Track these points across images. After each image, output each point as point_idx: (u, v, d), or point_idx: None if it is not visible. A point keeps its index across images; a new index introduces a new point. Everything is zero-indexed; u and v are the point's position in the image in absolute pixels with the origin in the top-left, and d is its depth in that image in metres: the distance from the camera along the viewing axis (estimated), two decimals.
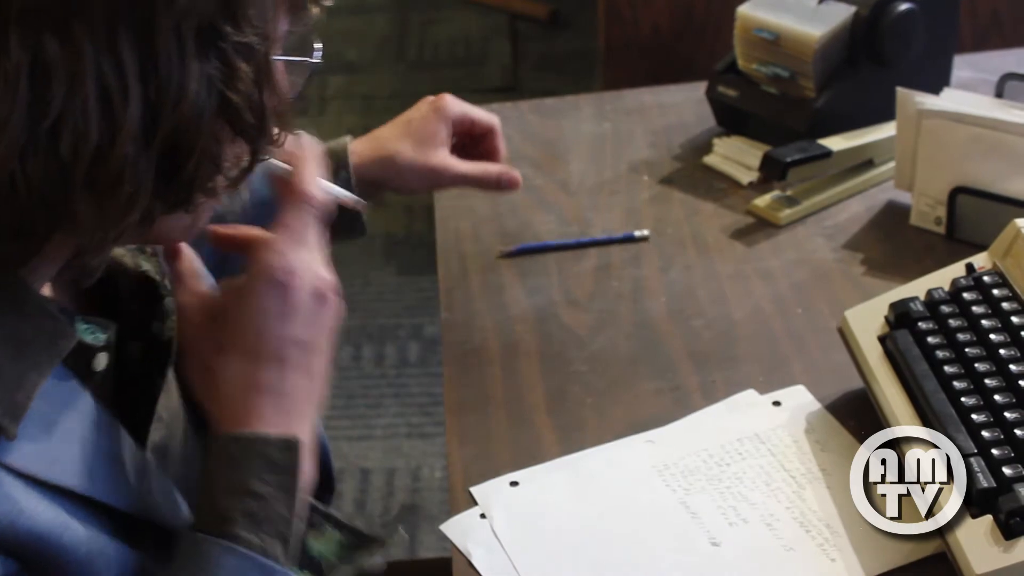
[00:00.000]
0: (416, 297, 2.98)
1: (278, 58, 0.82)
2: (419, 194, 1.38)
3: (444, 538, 1.12)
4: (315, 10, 0.85)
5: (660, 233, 1.51)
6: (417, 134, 1.30)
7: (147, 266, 0.94)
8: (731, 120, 1.69)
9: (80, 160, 0.72)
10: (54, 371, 0.79)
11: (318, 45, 0.88)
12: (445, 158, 1.30)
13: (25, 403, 0.76)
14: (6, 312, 0.77)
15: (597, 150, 1.68)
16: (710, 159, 1.65)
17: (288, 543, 0.85)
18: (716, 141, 1.66)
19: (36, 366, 0.78)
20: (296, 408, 0.89)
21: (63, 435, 0.80)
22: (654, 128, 1.73)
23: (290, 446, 0.86)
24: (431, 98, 1.34)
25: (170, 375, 0.94)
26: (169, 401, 0.93)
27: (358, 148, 1.30)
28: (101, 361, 0.85)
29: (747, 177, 1.60)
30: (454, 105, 1.32)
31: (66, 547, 0.78)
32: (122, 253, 0.92)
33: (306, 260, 0.90)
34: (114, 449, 0.84)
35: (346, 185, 1.22)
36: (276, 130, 0.82)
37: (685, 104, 1.77)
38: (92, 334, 0.84)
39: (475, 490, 1.14)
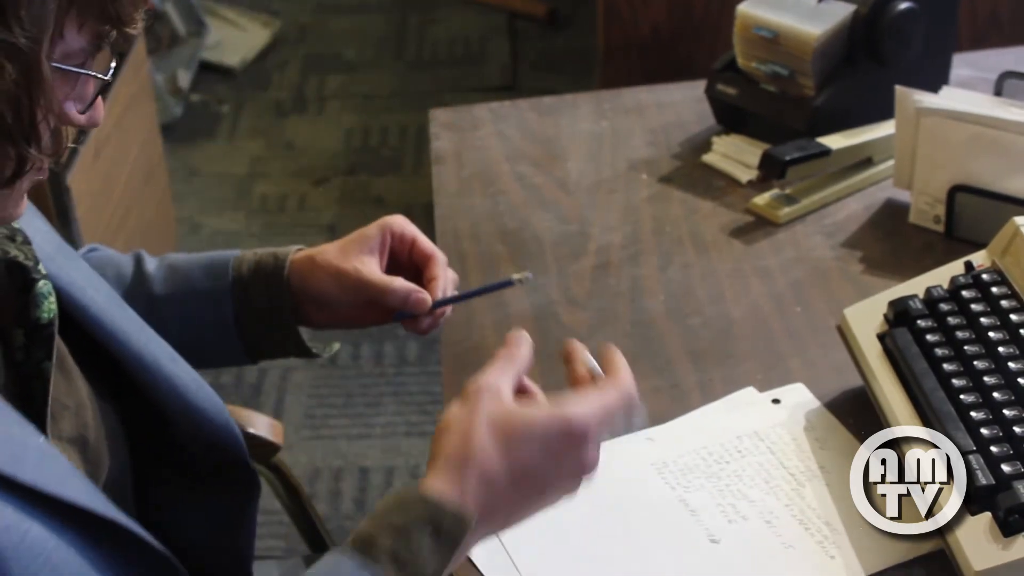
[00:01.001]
0: None
1: (57, 65, 0.81)
2: (335, 303, 1.21)
3: None
4: (114, 33, 0.84)
5: (659, 232, 1.51)
6: (346, 241, 1.21)
7: (15, 252, 0.94)
8: (730, 118, 1.69)
9: None
10: None
11: (113, 64, 0.88)
12: (361, 263, 1.19)
13: None
14: None
15: (596, 149, 1.69)
16: (709, 158, 1.65)
17: None
18: (715, 139, 1.66)
19: None
20: (493, 520, 0.91)
21: None
22: (653, 127, 1.73)
23: (461, 522, 0.88)
24: (387, 218, 1.23)
25: (71, 363, 0.95)
26: (72, 389, 0.94)
27: (296, 255, 1.22)
28: (48, 309, 0.87)
29: (746, 175, 1.60)
30: (400, 222, 1.22)
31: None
32: None
33: (597, 438, 0.93)
34: (22, 436, 0.83)
35: (278, 289, 1.19)
36: (48, 138, 0.82)
37: (684, 103, 1.77)
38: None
39: None
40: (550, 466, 0.92)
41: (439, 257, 1.21)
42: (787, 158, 1.50)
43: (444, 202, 1.58)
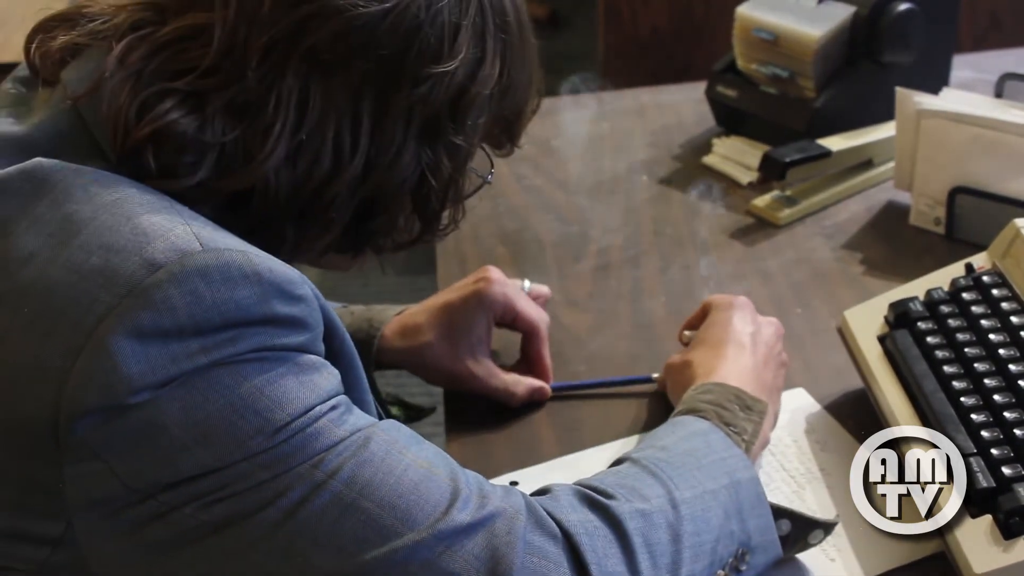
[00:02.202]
0: (415, 297, 2.94)
1: (471, 168, 0.97)
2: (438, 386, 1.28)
3: None
4: (507, 146, 1.03)
5: (659, 233, 1.51)
6: (452, 328, 1.22)
7: None
8: (730, 120, 1.69)
9: (310, 182, 0.87)
10: None
11: (493, 172, 1.03)
12: (475, 365, 1.22)
13: None
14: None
15: (596, 150, 1.69)
16: (709, 159, 1.65)
17: (749, 451, 1.02)
18: (715, 141, 1.66)
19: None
20: (757, 380, 1.11)
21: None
22: (653, 128, 1.73)
23: (759, 400, 1.08)
24: (483, 274, 1.24)
25: None
26: None
27: (393, 325, 1.25)
28: None
29: (746, 177, 1.60)
30: (498, 291, 1.22)
31: (357, 378, 0.91)
32: None
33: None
34: None
35: (365, 361, 1.15)
36: (446, 222, 0.98)
37: (684, 104, 1.77)
38: None
39: None
40: (751, 326, 1.16)
41: (541, 333, 1.25)
42: (787, 160, 1.50)
43: None
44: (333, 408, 0.82)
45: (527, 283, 1.30)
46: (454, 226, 1.00)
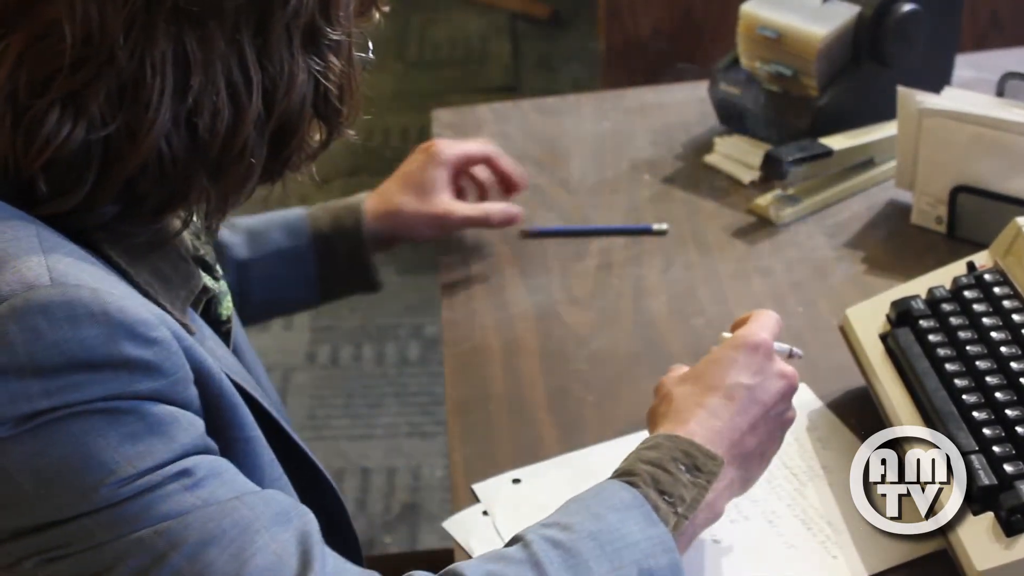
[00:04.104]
0: (416, 297, 2.98)
1: (357, 53, 0.94)
2: (430, 240, 1.46)
3: (446, 536, 1.12)
4: (376, 15, 0.97)
5: (661, 232, 1.51)
6: (416, 185, 1.40)
7: (204, 251, 1.02)
8: (732, 119, 1.69)
9: (215, 139, 0.84)
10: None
11: (371, 44, 1.00)
12: (447, 203, 1.40)
13: (185, 315, 0.89)
14: (150, 252, 0.89)
15: (598, 149, 1.69)
16: (711, 158, 1.65)
17: (681, 525, 0.92)
18: (717, 140, 1.66)
19: (179, 298, 0.89)
20: (728, 441, 0.98)
21: (218, 349, 0.93)
22: (655, 127, 1.73)
23: (715, 460, 0.95)
24: (423, 145, 1.43)
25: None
26: None
27: (370, 205, 1.39)
28: (228, 307, 1.03)
29: (748, 176, 1.60)
30: (446, 148, 1.41)
31: (239, 417, 0.89)
32: (184, 236, 0.99)
33: (772, 348, 1.04)
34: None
35: (358, 242, 1.37)
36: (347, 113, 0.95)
37: (686, 103, 1.77)
38: (209, 279, 0.98)
39: (477, 487, 1.14)
40: (751, 379, 1.01)
41: (493, 155, 1.45)
42: (789, 159, 1.50)
43: None
44: (186, 473, 0.79)
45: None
46: (355, 114, 0.97)
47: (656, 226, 1.39)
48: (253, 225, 1.37)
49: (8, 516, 0.77)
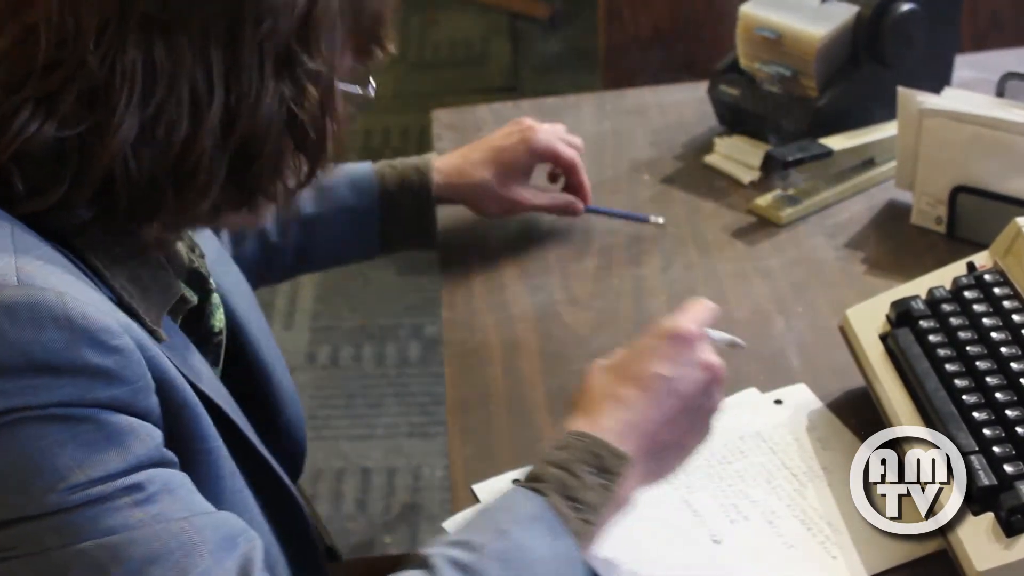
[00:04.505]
0: (417, 297, 2.98)
1: (341, 86, 0.93)
2: (492, 216, 1.50)
3: None
4: (379, 53, 0.98)
5: (661, 232, 1.51)
6: (505, 165, 1.44)
7: (198, 263, 1.03)
8: (732, 119, 1.69)
9: (171, 147, 0.84)
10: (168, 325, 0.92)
11: (373, 82, 1.00)
12: (524, 191, 1.45)
13: (159, 323, 0.89)
14: (129, 259, 0.89)
15: (598, 149, 1.69)
16: (711, 158, 1.65)
17: (588, 532, 0.91)
18: (717, 140, 1.66)
19: (155, 305, 0.90)
20: (640, 434, 0.96)
21: (191, 360, 0.92)
22: (655, 127, 1.73)
23: (621, 458, 0.94)
24: (524, 124, 1.47)
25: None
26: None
27: (444, 167, 1.43)
28: (220, 319, 1.04)
29: (748, 176, 1.60)
30: (542, 139, 1.45)
31: (202, 428, 0.89)
32: (180, 248, 1.01)
33: (702, 337, 1.01)
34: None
35: (426, 203, 1.41)
36: (332, 150, 0.94)
37: (686, 103, 1.77)
38: (188, 291, 0.98)
39: (478, 487, 1.14)
40: (670, 370, 0.98)
41: (579, 166, 1.48)
42: (789, 159, 1.50)
43: None
44: (138, 488, 0.79)
45: (561, 127, 1.50)
46: (344, 152, 0.97)
47: (653, 218, 1.42)
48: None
49: None
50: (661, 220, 1.31)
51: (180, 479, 0.83)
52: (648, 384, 0.97)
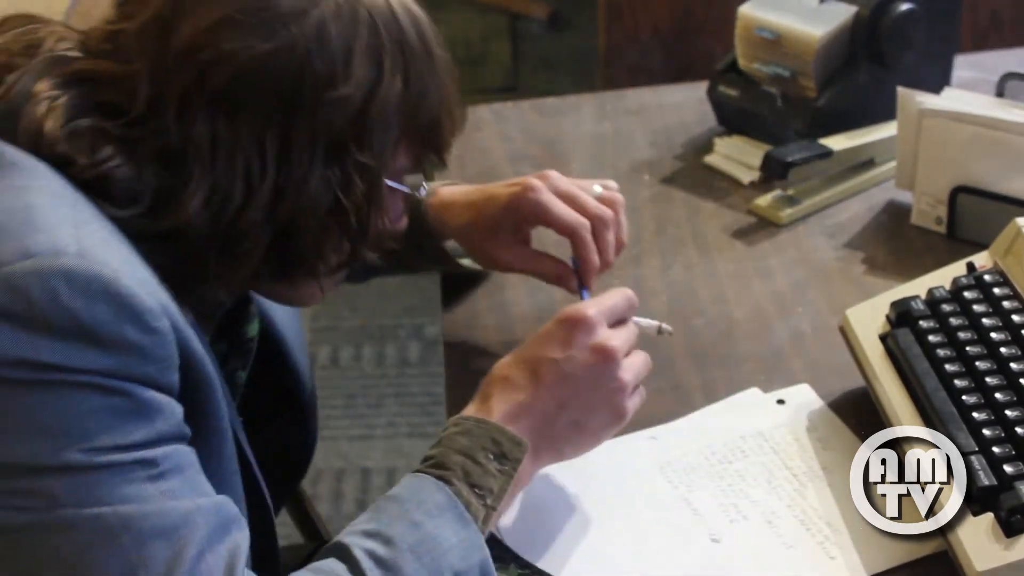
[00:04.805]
0: (417, 297, 2.98)
1: (389, 183, 0.98)
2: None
3: None
4: (433, 157, 1.03)
5: (661, 232, 1.51)
6: (484, 217, 1.26)
7: None
8: (732, 120, 1.69)
9: (224, 216, 0.90)
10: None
11: (426, 185, 1.06)
12: (505, 250, 1.26)
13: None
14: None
15: (598, 150, 1.69)
16: (711, 159, 1.65)
17: (489, 517, 0.97)
18: (717, 141, 1.66)
19: (189, 300, 0.94)
20: (531, 415, 1.02)
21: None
22: (655, 128, 1.73)
23: (519, 444, 0.99)
24: (540, 174, 1.26)
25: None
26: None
27: (443, 198, 1.29)
28: (254, 328, 1.09)
29: (748, 176, 1.60)
30: (533, 198, 1.22)
31: (216, 406, 0.92)
32: None
33: (601, 322, 1.04)
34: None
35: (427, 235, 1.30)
36: (377, 240, 1.00)
37: (686, 104, 1.77)
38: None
39: None
40: (560, 352, 1.02)
41: (581, 236, 1.21)
42: (789, 159, 1.50)
43: None
44: (153, 463, 0.84)
45: (597, 187, 1.27)
46: (391, 242, 1.03)
47: (664, 327, 1.17)
48: None
49: None
50: (670, 330, 1.18)
51: (191, 459, 0.88)
52: (537, 367, 1.02)
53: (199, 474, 0.88)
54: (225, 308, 1.04)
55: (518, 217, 1.24)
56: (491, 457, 0.98)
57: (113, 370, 0.82)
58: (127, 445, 0.83)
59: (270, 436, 1.14)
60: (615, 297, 1.08)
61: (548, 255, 1.27)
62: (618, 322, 1.07)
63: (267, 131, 0.90)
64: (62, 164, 0.88)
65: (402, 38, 0.96)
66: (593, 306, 1.05)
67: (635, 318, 1.10)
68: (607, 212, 1.23)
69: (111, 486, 0.82)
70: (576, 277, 1.23)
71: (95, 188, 0.89)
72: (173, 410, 0.86)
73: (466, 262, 1.33)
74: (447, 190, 1.30)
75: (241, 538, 0.87)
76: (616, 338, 1.05)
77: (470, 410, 1.03)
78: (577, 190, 1.24)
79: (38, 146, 0.88)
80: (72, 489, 0.81)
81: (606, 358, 1.03)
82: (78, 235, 0.84)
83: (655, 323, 1.14)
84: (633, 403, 1.06)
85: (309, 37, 0.91)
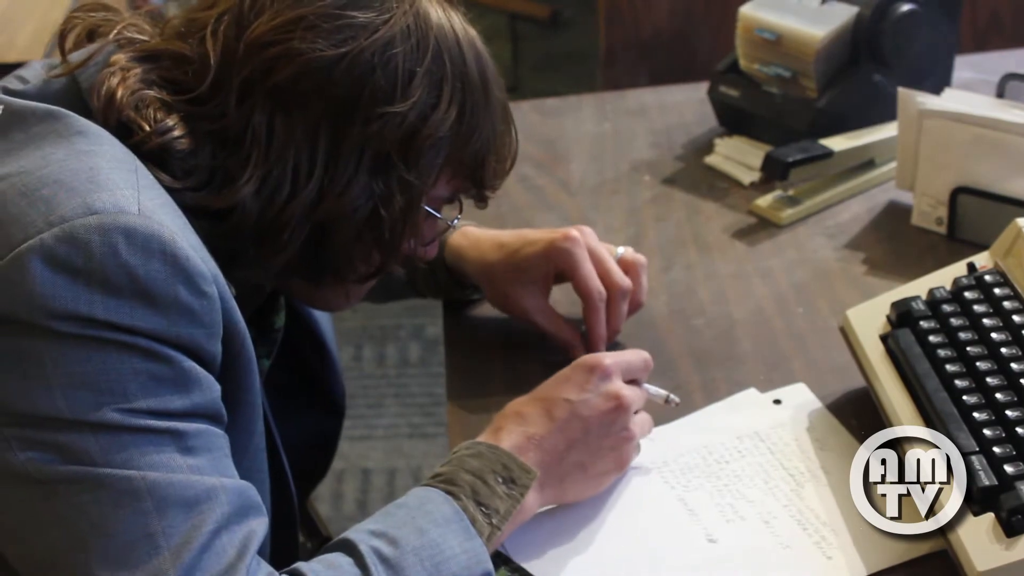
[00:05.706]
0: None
1: (426, 208, 1.02)
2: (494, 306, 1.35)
3: None
4: (473, 191, 1.08)
5: (661, 233, 1.51)
6: (517, 260, 1.27)
7: None
8: (733, 120, 1.69)
9: (271, 209, 0.95)
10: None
11: (459, 217, 1.11)
12: (528, 299, 1.28)
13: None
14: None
15: (598, 150, 1.69)
16: (711, 159, 1.65)
17: (493, 536, 0.99)
18: (717, 141, 1.66)
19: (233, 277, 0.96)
20: (540, 450, 1.04)
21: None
22: (655, 128, 1.73)
23: (528, 472, 1.02)
24: (565, 231, 1.26)
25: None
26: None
27: (467, 236, 1.31)
28: (281, 318, 1.14)
29: (748, 177, 1.60)
30: (565, 252, 1.25)
31: (251, 379, 0.96)
32: None
33: (618, 372, 1.09)
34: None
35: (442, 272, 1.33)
36: (406, 260, 1.05)
37: (686, 104, 1.77)
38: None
39: None
40: (575, 394, 1.06)
41: (595, 305, 1.25)
42: (789, 160, 1.50)
43: None
44: (183, 436, 0.86)
45: (620, 249, 1.30)
46: (418, 262, 1.09)
47: (671, 397, 1.17)
48: None
49: (24, 399, 0.83)
50: (677, 400, 1.20)
51: (220, 443, 0.90)
52: (552, 406, 1.06)
53: (227, 458, 0.90)
54: (264, 294, 1.08)
55: (549, 265, 1.26)
56: (500, 480, 1.01)
57: (161, 332, 0.85)
58: (163, 411, 0.85)
59: (296, 428, 1.18)
60: (633, 356, 1.12)
61: (564, 319, 1.30)
62: (631, 381, 1.11)
63: (320, 132, 0.95)
64: (126, 134, 0.92)
65: (464, 72, 1.01)
66: (611, 357, 1.09)
67: (645, 384, 1.14)
68: (626, 284, 1.26)
69: (142, 451, 0.84)
70: (583, 345, 1.27)
71: (154, 159, 0.92)
72: (211, 386, 0.89)
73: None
74: (471, 228, 1.33)
75: (258, 525, 0.89)
76: (629, 391, 1.09)
77: (482, 437, 1.05)
78: (605, 253, 1.27)
79: (108, 110, 0.92)
80: (105, 448, 0.83)
81: (619, 406, 1.07)
82: (139, 197, 0.86)
83: (663, 392, 1.16)
84: (634, 457, 1.11)
85: (376, 52, 0.95)
